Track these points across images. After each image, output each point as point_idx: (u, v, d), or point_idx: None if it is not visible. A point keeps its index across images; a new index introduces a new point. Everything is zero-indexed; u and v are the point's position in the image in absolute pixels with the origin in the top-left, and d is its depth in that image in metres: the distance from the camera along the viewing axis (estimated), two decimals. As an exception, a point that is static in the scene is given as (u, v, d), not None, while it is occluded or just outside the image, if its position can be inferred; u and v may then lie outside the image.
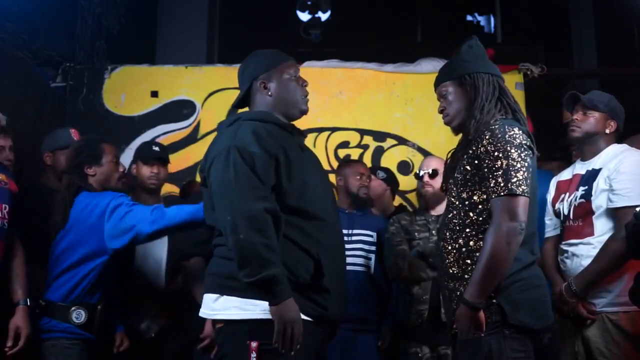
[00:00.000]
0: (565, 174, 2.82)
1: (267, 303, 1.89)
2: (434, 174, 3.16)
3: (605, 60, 5.68)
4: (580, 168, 2.74)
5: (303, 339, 1.91)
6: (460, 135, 2.21)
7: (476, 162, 2.03)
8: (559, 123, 4.48)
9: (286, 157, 2.02)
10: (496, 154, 1.97)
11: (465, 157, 2.08)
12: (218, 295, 1.98)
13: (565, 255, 2.66)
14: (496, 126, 2.02)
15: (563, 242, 2.68)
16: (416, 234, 3.14)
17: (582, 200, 2.61)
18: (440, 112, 2.22)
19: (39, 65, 4.18)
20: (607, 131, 2.67)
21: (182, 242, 2.95)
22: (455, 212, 2.08)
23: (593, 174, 2.62)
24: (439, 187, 3.04)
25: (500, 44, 6.31)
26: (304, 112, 2.21)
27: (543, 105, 4.59)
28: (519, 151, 1.96)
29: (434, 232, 3.07)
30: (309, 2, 6.07)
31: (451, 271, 2.06)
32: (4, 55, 3.73)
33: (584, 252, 2.56)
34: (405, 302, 3.12)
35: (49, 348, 2.52)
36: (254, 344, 1.84)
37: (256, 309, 1.92)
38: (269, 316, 1.88)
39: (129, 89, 4.29)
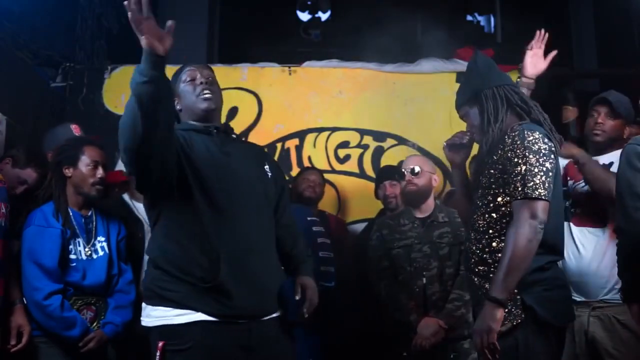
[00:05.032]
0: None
1: (174, 311, 2.01)
2: (416, 172, 3.17)
3: (605, 60, 5.67)
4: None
5: (207, 340, 1.99)
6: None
7: (500, 166, 2.13)
8: (559, 123, 4.49)
9: (187, 156, 2.08)
10: (516, 160, 2.06)
11: (489, 162, 2.19)
12: (145, 304, 2.11)
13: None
14: (516, 132, 2.11)
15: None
16: (396, 243, 3.15)
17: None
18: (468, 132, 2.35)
19: (39, 65, 4.18)
20: (625, 136, 2.71)
21: None
22: (479, 214, 2.19)
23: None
24: (422, 185, 3.16)
25: (500, 44, 6.30)
26: (205, 109, 2.23)
27: (543, 105, 4.58)
28: (537, 156, 2.04)
29: (416, 240, 3.12)
30: (309, 2, 6.07)
31: (477, 270, 2.16)
32: (4, 55, 3.73)
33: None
34: (393, 309, 3.12)
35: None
36: (160, 344, 2.00)
37: (165, 315, 2.03)
38: (174, 322, 2.00)
39: (129, 89, 4.28)
